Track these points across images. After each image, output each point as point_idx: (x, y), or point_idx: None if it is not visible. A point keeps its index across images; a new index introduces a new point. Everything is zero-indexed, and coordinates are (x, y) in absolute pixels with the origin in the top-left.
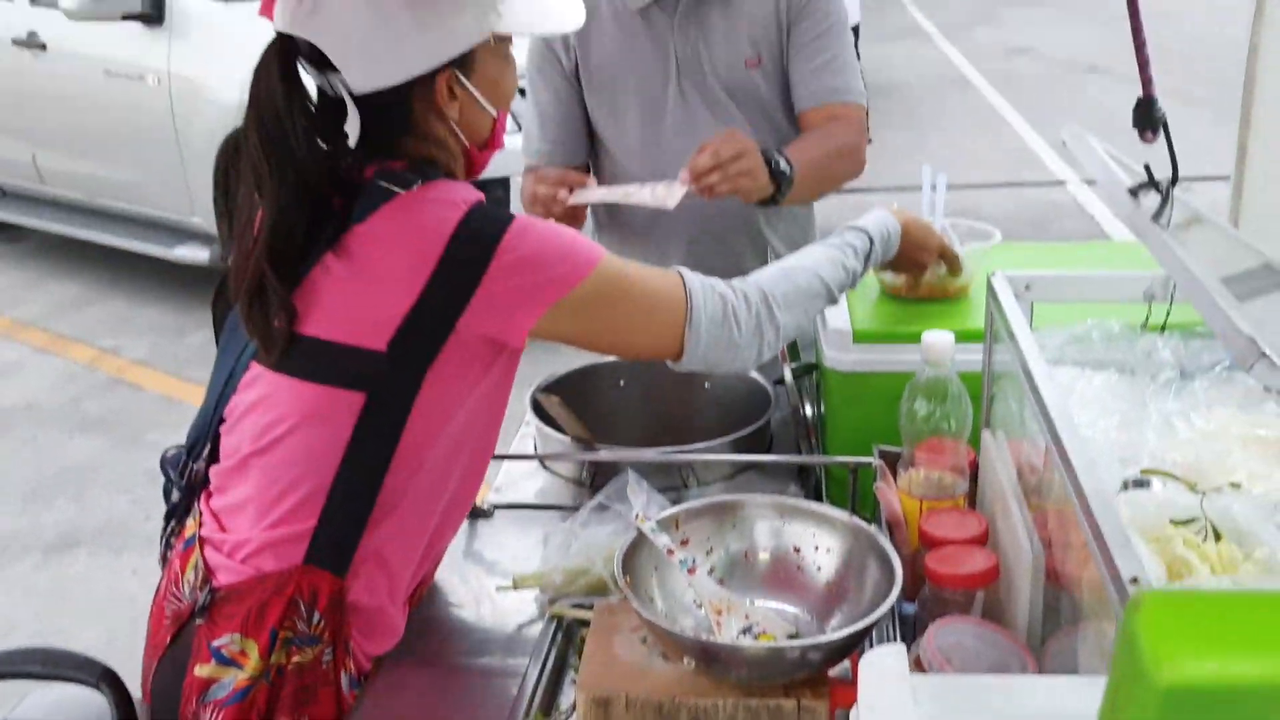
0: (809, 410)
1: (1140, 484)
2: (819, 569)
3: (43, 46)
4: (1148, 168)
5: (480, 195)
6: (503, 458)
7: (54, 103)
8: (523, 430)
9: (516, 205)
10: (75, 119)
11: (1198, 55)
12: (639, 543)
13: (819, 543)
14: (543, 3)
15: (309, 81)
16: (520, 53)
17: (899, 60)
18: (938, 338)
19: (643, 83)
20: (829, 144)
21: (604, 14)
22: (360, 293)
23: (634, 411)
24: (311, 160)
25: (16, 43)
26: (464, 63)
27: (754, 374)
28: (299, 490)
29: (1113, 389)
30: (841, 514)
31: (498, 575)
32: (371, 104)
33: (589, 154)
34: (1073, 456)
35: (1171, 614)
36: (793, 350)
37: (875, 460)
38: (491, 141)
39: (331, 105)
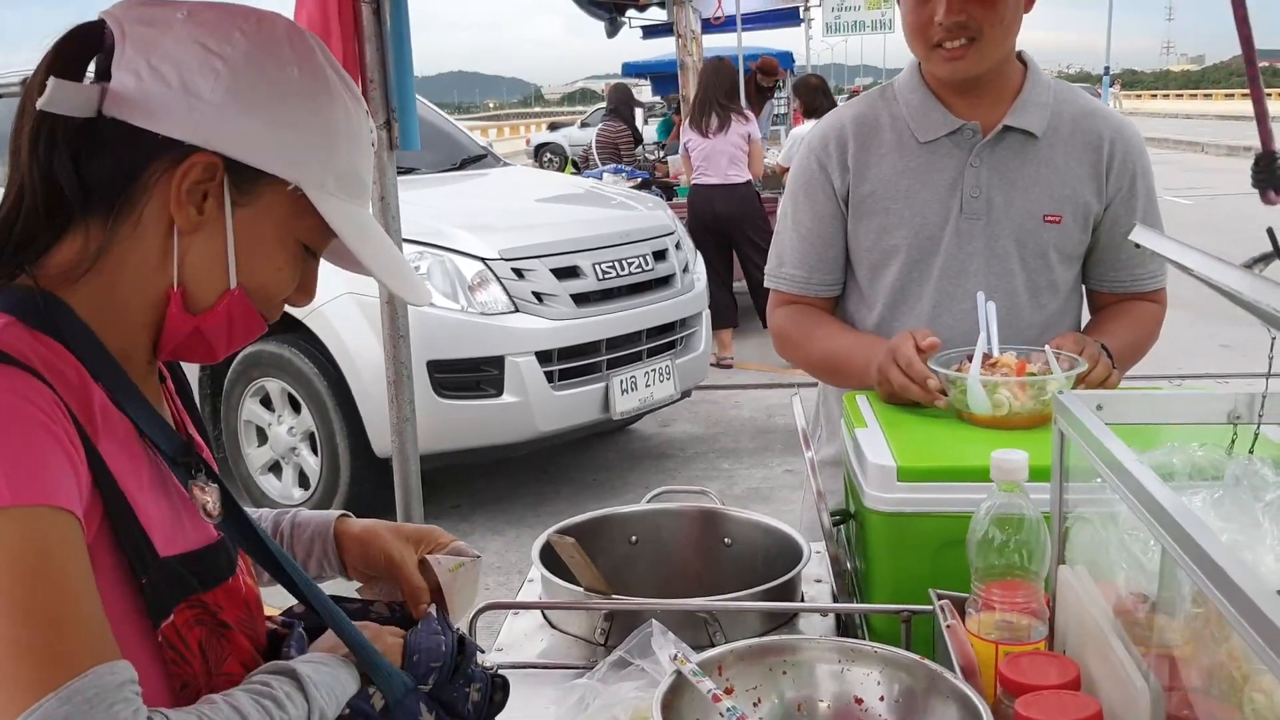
0: (848, 564)
1: None
2: None
3: None
4: (1271, 232)
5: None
6: (506, 606)
7: None
8: (526, 586)
9: (511, 387)
10: None
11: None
12: (678, 688)
13: (885, 691)
14: (373, 234)
15: None
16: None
17: None
18: (1009, 456)
19: (917, 218)
20: (1138, 331)
21: (886, 140)
22: None
23: (647, 570)
24: None
25: None
26: (241, 176)
27: (784, 526)
28: None
29: (1216, 507)
30: (911, 656)
31: None
32: (102, 138)
33: (841, 287)
34: (1212, 552)
35: None
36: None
37: (936, 603)
38: (210, 316)
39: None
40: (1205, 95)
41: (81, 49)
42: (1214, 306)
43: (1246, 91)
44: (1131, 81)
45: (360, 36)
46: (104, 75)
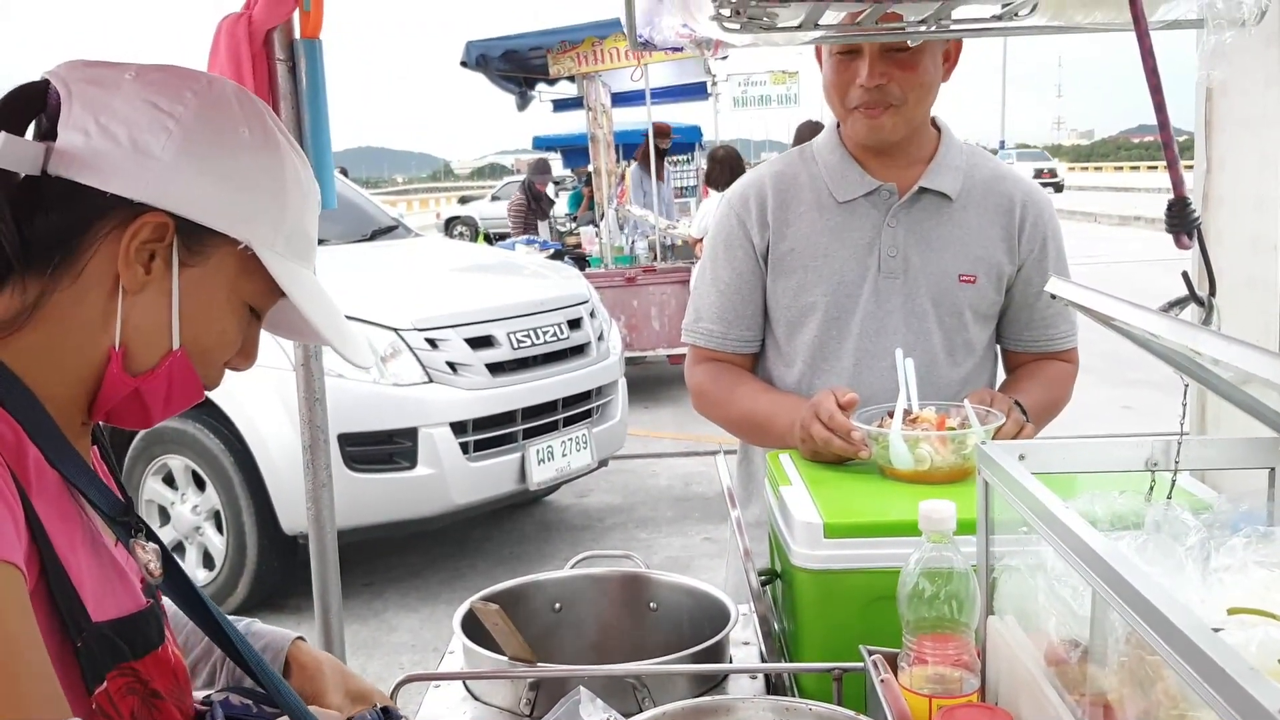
0: (775, 624)
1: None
2: None
3: None
4: (1186, 276)
5: None
6: (427, 678)
7: None
8: (447, 658)
9: (426, 459)
10: None
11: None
12: None
13: None
14: (320, 296)
15: None
16: None
17: None
18: (938, 506)
19: (835, 275)
20: (1053, 391)
21: (805, 199)
22: None
23: (572, 637)
24: None
25: None
26: (190, 235)
27: (710, 589)
28: None
29: (1141, 552)
30: (847, 713)
31: None
32: (45, 196)
33: (759, 344)
34: (1146, 593)
35: None
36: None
37: (868, 658)
38: (150, 377)
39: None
40: (1095, 168)
41: (24, 107)
42: (1115, 370)
43: (1135, 164)
44: (1026, 155)
45: (275, 94)
46: (47, 134)
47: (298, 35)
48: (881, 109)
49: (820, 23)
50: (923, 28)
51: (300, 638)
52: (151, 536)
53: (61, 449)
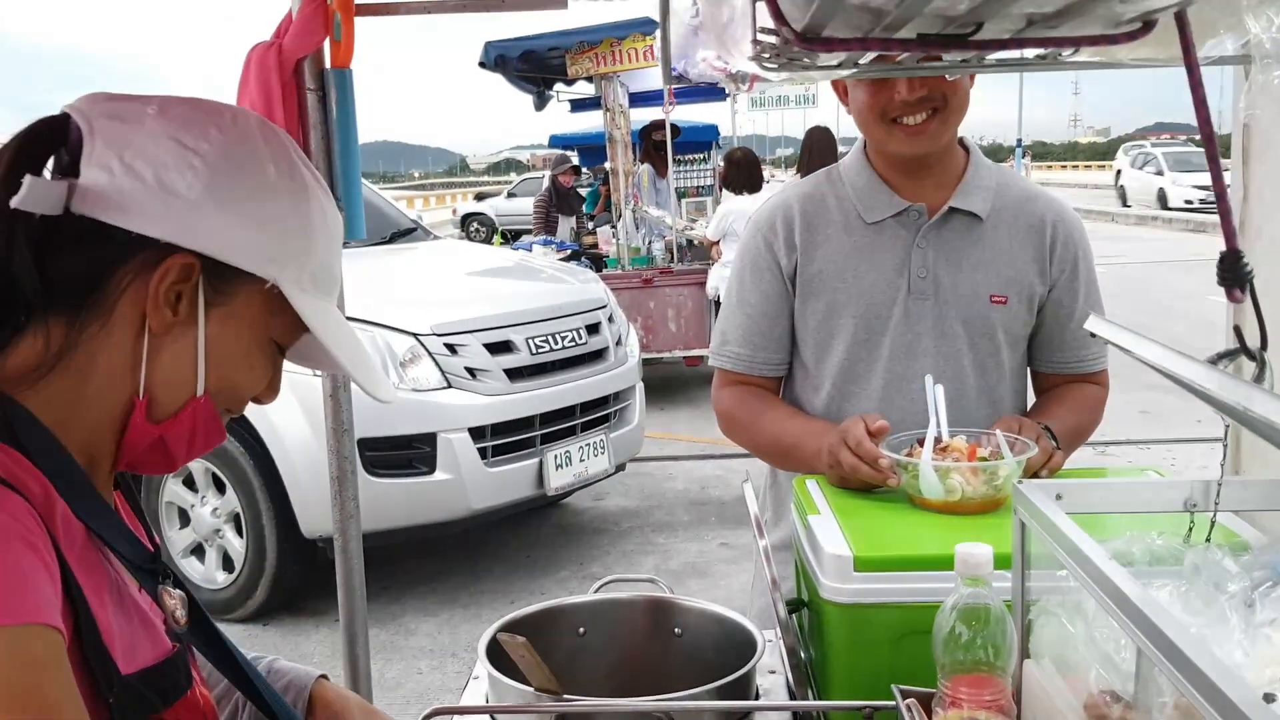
0: (803, 654)
1: (1269, 698)
2: None
3: None
4: (1238, 330)
5: None
6: (453, 711)
7: None
8: (472, 684)
9: (444, 464)
10: None
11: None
12: None
13: None
14: (344, 331)
15: None
16: None
17: None
18: (974, 550)
19: (864, 296)
20: (1083, 415)
21: (834, 220)
22: None
23: (596, 663)
24: None
25: None
26: (217, 275)
27: (736, 615)
28: None
29: (1183, 600)
30: None
31: None
32: (68, 235)
33: (787, 367)
34: (1194, 656)
35: None
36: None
37: (902, 701)
38: (174, 423)
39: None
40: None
41: (44, 143)
42: (1132, 375)
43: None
44: (1042, 153)
45: (305, 124)
46: (68, 171)
47: (328, 64)
48: (924, 119)
49: (860, 62)
50: (963, 64)
51: (324, 675)
52: (178, 583)
53: (89, 499)
